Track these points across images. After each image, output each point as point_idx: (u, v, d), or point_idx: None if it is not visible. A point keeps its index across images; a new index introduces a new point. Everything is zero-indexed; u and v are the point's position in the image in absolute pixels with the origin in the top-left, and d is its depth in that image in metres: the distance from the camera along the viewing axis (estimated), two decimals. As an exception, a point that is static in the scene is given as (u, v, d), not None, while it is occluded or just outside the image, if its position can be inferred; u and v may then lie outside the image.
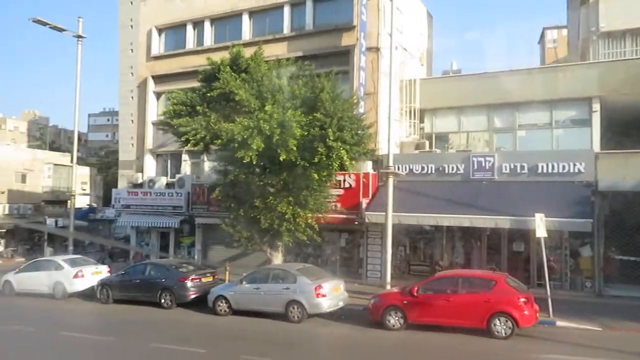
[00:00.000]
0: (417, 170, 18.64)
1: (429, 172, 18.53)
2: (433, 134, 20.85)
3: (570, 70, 18.64)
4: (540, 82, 18.52)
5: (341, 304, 14.40)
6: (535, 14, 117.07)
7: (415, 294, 12.50)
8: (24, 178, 39.56)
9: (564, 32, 34.49)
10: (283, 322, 13.68)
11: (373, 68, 19.60)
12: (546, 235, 13.77)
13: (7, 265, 26.83)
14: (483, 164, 17.70)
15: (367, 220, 17.95)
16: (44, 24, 21.01)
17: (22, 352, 11.63)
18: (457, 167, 18.09)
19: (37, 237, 36.40)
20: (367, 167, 18.95)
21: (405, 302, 12.61)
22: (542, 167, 16.89)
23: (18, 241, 35.82)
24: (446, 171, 18.25)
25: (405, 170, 18.49)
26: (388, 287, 15.77)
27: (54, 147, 67.91)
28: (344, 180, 18.89)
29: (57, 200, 40.31)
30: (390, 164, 16.50)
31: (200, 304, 15.63)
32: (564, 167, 16.66)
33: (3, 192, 37.51)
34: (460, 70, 23.06)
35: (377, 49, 19.64)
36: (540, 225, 13.59)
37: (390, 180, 16.39)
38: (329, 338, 12.82)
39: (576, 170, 16.52)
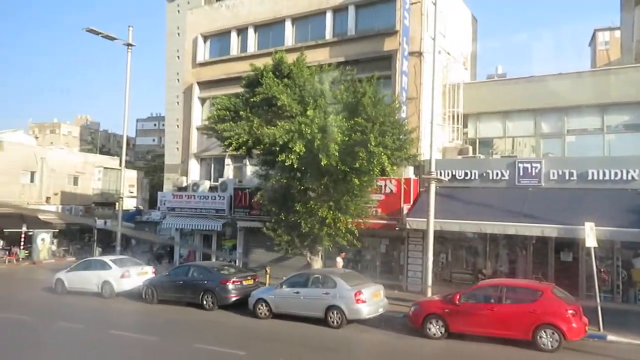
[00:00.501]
0: (459, 176, 18.30)
1: (472, 178, 18.15)
2: (477, 139, 20.43)
3: (624, 73, 17.89)
4: (591, 86, 17.86)
5: (381, 310, 14.27)
6: (585, 16, 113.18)
7: (457, 302, 12.25)
8: (76, 180, 41.30)
9: (617, 33, 33.17)
10: (322, 327, 13.67)
11: (415, 72, 19.42)
12: (596, 245, 13.22)
13: (59, 264, 28.03)
14: (529, 170, 17.19)
15: (408, 226, 17.74)
16: (97, 33, 21.92)
17: (74, 349, 12.09)
18: (501, 173, 17.64)
19: (87, 237, 37.83)
20: (409, 172, 18.75)
21: (446, 310, 12.37)
22: (593, 173, 16.23)
23: (69, 241, 37.31)
24: (490, 177, 17.83)
25: (448, 176, 18.18)
26: (429, 294, 15.54)
27: (104, 151, 70.64)
28: (385, 186, 18.74)
29: (106, 202, 41.85)
30: (433, 169, 16.27)
31: (241, 306, 15.83)
32: (616, 174, 15.96)
33: (56, 194, 39.26)
34: (505, 74, 22.50)
35: (420, 54, 19.45)
36: (590, 234, 13.06)
37: (432, 186, 16.17)
38: (368, 344, 12.72)
39: (629, 177, 15.80)
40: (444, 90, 20.19)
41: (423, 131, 18.81)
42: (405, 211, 18.21)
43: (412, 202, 18.46)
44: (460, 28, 22.86)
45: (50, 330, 13.84)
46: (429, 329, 12.45)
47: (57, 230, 35.01)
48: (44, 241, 32.59)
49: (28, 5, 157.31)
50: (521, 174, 17.28)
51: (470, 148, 19.75)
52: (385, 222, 18.50)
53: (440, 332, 12.35)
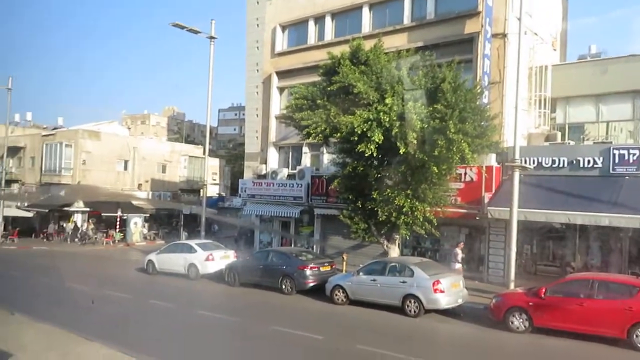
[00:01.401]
0: (546, 164, 17.32)
1: (561, 165, 17.10)
2: (566, 124, 19.23)
3: None
4: (700, 64, 16.16)
5: (460, 301, 13.94)
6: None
7: (542, 295, 11.67)
8: (164, 168, 43.81)
9: None
10: (399, 315, 13.59)
11: (499, 55, 18.54)
12: None
13: (150, 246, 30.00)
14: (626, 157, 15.91)
15: (489, 216, 17.10)
16: (182, 27, 22.92)
17: (167, 325, 12.92)
18: (594, 160, 16.47)
19: (175, 222, 40.12)
20: (491, 160, 18.03)
21: (530, 303, 11.83)
22: (701, 161, 14.74)
23: (159, 225, 39.78)
24: (581, 165, 16.70)
25: (533, 163, 17.27)
26: (511, 286, 14.94)
27: (189, 140, 74.13)
28: (465, 174, 18.17)
29: (191, 189, 44.05)
30: (517, 156, 15.53)
31: (318, 292, 16.10)
32: None
33: (147, 181, 41.89)
34: (599, 54, 20.90)
35: (504, 35, 18.52)
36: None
37: (516, 174, 15.45)
38: (447, 335, 12.49)
39: None
40: (529, 73, 19.13)
41: (506, 117, 17.96)
42: (486, 200, 17.57)
43: (494, 190, 17.76)
44: (548, 6, 21.48)
45: (145, 308, 14.87)
46: (512, 322, 11.98)
47: (148, 215, 37.43)
48: (137, 225, 34.96)
49: (120, 5, 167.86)
50: (617, 161, 16.04)
51: (559, 134, 18.61)
52: (465, 211, 17.97)
53: (524, 326, 11.84)
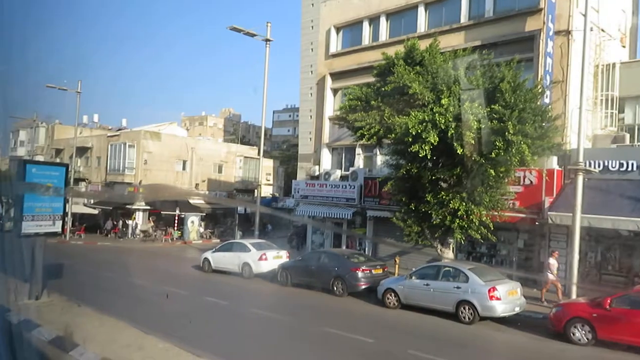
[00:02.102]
0: (613, 167, 16.40)
1: (630, 169, 16.15)
2: (635, 125, 18.13)
3: None
4: None
5: (517, 309, 13.43)
6: None
7: (607, 307, 11.04)
8: (220, 169, 44.97)
9: None
10: (452, 321, 13.27)
11: (562, 53, 17.75)
12: None
13: (206, 245, 30.88)
14: (703, 161, 14.82)
15: (550, 221, 16.39)
16: (239, 30, 23.47)
17: (220, 322, 13.25)
18: (666, 164, 15.44)
19: (230, 221, 41.08)
20: (552, 162, 17.28)
21: (594, 314, 11.22)
22: None
23: (214, 224, 40.87)
24: (652, 169, 15.71)
25: (599, 166, 16.39)
26: (573, 296, 14.26)
27: (244, 142, 75.63)
28: (525, 177, 17.52)
29: (246, 189, 44.96)
30: (580, 159, 14.82)
31: (370, 294, 16.00)
32: None
33: (204, 181, 43.14)
34: (674, 50, 19.61)
35: (568, 32, 17.72)
36: None
37: (580, 178, 14.74)
38: (503, 344, 12.08)
39: None
40: (595, 71, 18.21)
41: (570, 118, 17.18)
42: (547, 205, 16.86)
43: (555, 195, 17.02)
44: (617, 0, 20.35)
45: (201, 304, 15.30)
46: (573, 334, 11.41)
47: (204, 214, 38.54)
48: (194, 223, 36.08)
49: (181, 14, 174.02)
50: (692, 165, 14.97)
51: (627, 135, 17.59)
52: (523, 215, 17.31)
53: (586, 339, 11.24)
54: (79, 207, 38.41)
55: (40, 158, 45.04)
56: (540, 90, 15.53)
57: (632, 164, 16.11)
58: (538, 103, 15.03)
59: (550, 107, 16.28)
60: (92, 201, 39.95)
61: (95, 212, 39.29)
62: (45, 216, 13.03)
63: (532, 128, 13.90)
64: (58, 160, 45.24)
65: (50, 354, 9.00)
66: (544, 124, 14.74)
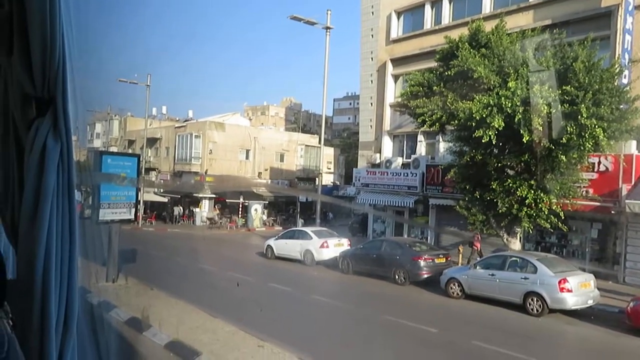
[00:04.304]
0: (702, 152, 15.16)
1: None
2: None
3: None
4: None
5: (590, 302, 12.77)
6: None
7: (693, 302, 10.28)
8: (282, 157, 45.63)
9: None
10: (519, 313, 12.83)
11: (643, 30, 16.50)
12: None
13: (269, 232, 31.53)
14: None
15: (627, 210, 15.39)
16: (299, 19, 23.59)
17: (284, 308, 13.53)
18: None
19: (292, 209, 41.71)
20: (631, 147, 16.22)
21: (678, 310, 10.49)
22: None
23: (277, 212, 41.65)
24: None
25: (684, 151, 15.21)
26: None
27: (305, 130, 76.22)
28: (599, 163, 16.55)
29: (307, 178, 45.39)
30: (663, 143, 13.78)
31: (432, 284, 15.77)
32: None
33: (266, 169, 43.98)
34: None
35: (649, 7, 16.44)
36: None
37: (662, 164, 13.71)
38: (574, 338, 11.56)
39: None
40: (681, 48, 16.79)
41: (651, 99, 15.97)
42: (624, 192, 15.85)
43: (633, 182, 15.96)
44: None
45: (265, 290, 15.69)
46: (653, 329, 10.73)
47: (267, 202, 39.34)
48: (257, 211, 36.94)
49: (243, 7, 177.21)
50: None
51: None
52: (597, 204, 16.39)
53: (669, 335, 10.54)
54: (149, 195, 40.29)
55: (114, 149, 47.66)
56: (617, 70, 14.50)
57: None
58: (615, 83, 14.08)
59: (629, 87, 15.20)
60: (161, 190, 41.81)
61: (165, 200, 41.09)
62: (120, 204, 13.79)
63: (608, 110, 13.06)
64: (130, 151, 47.60)
65: (126, 334, 9.57)
66: (621, 106, 13.83)
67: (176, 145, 42.72)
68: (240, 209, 37.62)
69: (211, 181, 37.87)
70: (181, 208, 39.96)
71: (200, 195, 38.47)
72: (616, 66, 14.60)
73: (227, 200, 38.57)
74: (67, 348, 1.19)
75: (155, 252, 22.79)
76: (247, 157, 42.98)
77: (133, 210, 14.37)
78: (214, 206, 39.01)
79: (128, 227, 21.12)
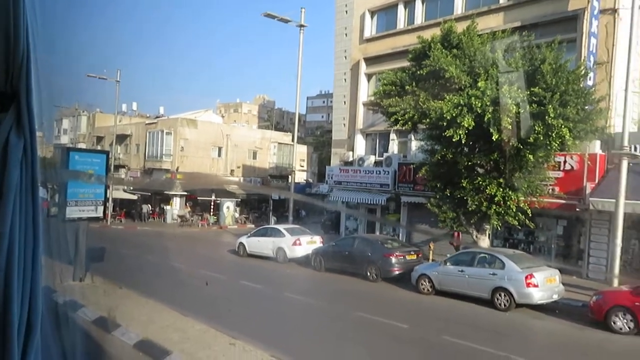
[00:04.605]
0: (660, 152, 15.74)
1: (678, 154, 15.47)
2: (686, 108, 17.29)
3: None
4: None
5: (555, 297, 13.15)
6: None
7: (652, 296, 10.69)
8: (254, 155, 45.37)
9: None
10: (487, 308, 13.11)
11: (607, 33, 17.03)
12: None
13: (241, 230, 31.37)
14: None
15: (591, 207, 15.89)
16: (273, 17, 23.48)
17: (255, 305, 13.49)
18: None
19: (264, 207, 41.54)
20: (595, 147, 16.72)
21: (637, 303, 10.87)
22: None
23: (249, 209, 41.42)
24: (703, 153, 15.01)
25: (645, 151, 15.76)
26: (615, 284, 13.86)
27: (278, 128, 75.95)
28: (565, 162, 17.02)
29: (280, 175, 45.26)
30: (625, 143, 14.28)
31: (404, 280, 15.95)
32: None
33: (239, 167, 43.66)
34: None
35: (614, 10, 16.98)
36: None
37: (624, 163, 14.22)
38: (540, 332, 11.86)
39: None
40: (643, 51, 17.37)
41: (614, 100, 16.53)
42: (588, 190, 16.34)
43: (597, 180, 16.48)
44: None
45: (236, 288, 15.61)
46: (614, 323, 11.10)
47: (240, 200, 39.09)
48: (229, 209, 36.67)
49: (215, 1, 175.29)
50: None
51: (677, 119, 16.81)
52: (563, 201, 16.86)
53: (628, 327, 10.92)
54: (119, 192, 39.52)
55: (82, 146, 46.51)
56: (583, 72, 14.94)
57: (681, 148, 15.41)
58: (581, 85, 14.50)
59: (593, 89, 15.68)
60: (131, 187, 41.07)
61: (135, 197, 40.39)
62: (88, 201, 13.48)
63: (574, 111, 13.44)
64: (99, 147, 46.60)
65: (93, 333, 9.38)
66: (586, 107, 14.24)
67: (147, 142, 42.01)
68: (212, 207, 37.27)
69: (181, 178, 37.40)
70: (149, 206, 39.31)
71: (171, 192, 37.95)
72: (582, 68, 15.03)
73: (198, 198, 38.17)
74: (30, 348, 1.16)
75: (124, 250, 22.37)
76: (219, 155, 42.58)
77: (101, 208, 14.06)
78: (185, 204, 38.55)
79: (96, 225, 20.66)
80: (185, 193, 38.17)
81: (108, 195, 31.06)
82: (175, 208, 37.90)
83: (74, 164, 13.36)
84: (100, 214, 14.20)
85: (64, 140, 54.64)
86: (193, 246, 26.21)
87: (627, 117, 14.47)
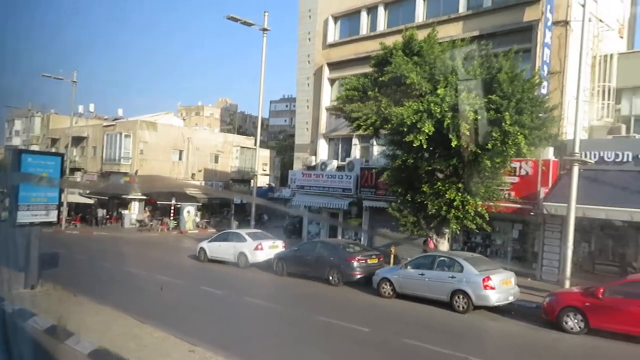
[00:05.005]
0: (609, 158, 16.46)
1: (625, 160, 16.21)
2: (632, 116, 18.19)
3: None
4: None
5: (511, 298, 13.52)
6: None
7: (600, 296, 11.13)
8: (216, 159, 44.85)
9: None
10: (447, 310, 13.36)
11: (560, 44, 17.72)
12: None
13: (202, 234, 30.88)
14: (698, 153, 14.89)
15: (545, 212, 16.45)
16: (236, 20, 23.29)
17: (216, 311, 13.28)
18: (661, 155, 15.51)
19: (226, 211, 41.05)
20: (548, 153, 17.32)
21: (587, 304, 11.31)
22: None
23: (210, 214, 40.84)
24: (647, 160, 15.78)
25: (594, 157, 16.44)
26: (566, 285, 14.38)
27: (240, 132, 75.34)
28: (520, 167, 17.56)
29: (242, 180, 44.88)
30: (576, 150, 14.86)
31: (365, 284, 16.06)
32: None
33: (200, 171, 43.05)
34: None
35: (566, 23, 17.67)
36: None
37: (575, 169, 14.80)
38: (496, 333, 12.17)
39: None
40: (593, 62, 18.19)
41: (566, 108, 17.20)
42: (542, 195, 16.92)
43: (550, 185, 17.08)
44: (615, -9, 20.29)
45: (197, 294, 15.32)
46: (566, 323, 11.51)
47: (201, 204, 38.49)
48: (190, 213, 36.05)
49: (179, 1, 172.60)
50: (687, 156, 15.04)
51: (624, 127, 17.63)
52: (519, 206, 17.38)
53: (579, 327, 11.35)
54: (74, 196, 38.26)
55: (35, 147, 44.85)
56: (537, 81, 15.50)
57: (628, 155, 16.16)
58: (535, 93, 15.01)
59: (547, 97, 16.29)
60: (87, 191, 39.83)
61: (91, 202, 39.16)
62: (41, 206, 12.97)
63: (529, 118, 13.91)
64: (54, 149, 45.07)
65: (45, 343, 9.01)
66: (541, 115, 14.76)
67: (104, 144, 40.89)
68: (172, 211, 36.56)
69: (140, 182, 36.53)
70: (104, 210, 38.13)
71: (130, 196, 37.00)
72: (536, 77, 15.58)
73: (158, 202, 37.34)
74: None
75: (79, 256, 21.67)
76: (180, 158, 41.89)
77: (55, 212, 13.54)
78: (145, 208, 37.65)
79: (50, 230, 19.94)
80: (145, 197, 37.29)
81: (63, 199, 30.05)
82: (134, 212, 36.95)
83: (26, 166, 12.85)
84: (54, 219, 13.68)
85: (16, 142, 52.55)
86: (152, 251, 25.63)
87: (578, 125, 15.07)
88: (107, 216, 37.94)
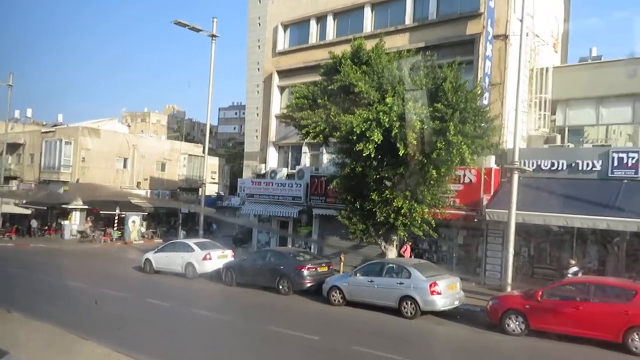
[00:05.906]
0: (545, 166, 17.31)
1: (560, 168, 17.10)
2: (566, 127, 19.20)
3: None
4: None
5: (457, 303, 13.91)
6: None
7: (539, 298, 11.66)
8: (163, 167, 43.70)
9: None
10: (396, 316, 13.57)
11: (500, 57, 18.51)
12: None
13: (148, 245, 29.94)
14: (625, 161, 15.90)
15: (487, 218, 17.06)
16: (184, 25, 22.91)
17: (162, 324, 12.88)
18: (593, 163, 16.46)
19: (173, 221, 39.99)
20: (490, 162, 18.00)
21: (527, 306, 11.81)
22: (701, 165, 14.70)
23: (157, 223, 39.68)
24: (580, 168, 16.70)
25: (532, 166, 17.24)
26: (508, 289, 14.93)
27: (188, 139, 73.85)
28: (464, 176, 18.13)
29: (190, 188, 43.93)
30: (516, 159, 15.51)
31: (315, 292, 16.06)
32: None
33: (146, 179, 41.80)
34: (600, 56, 20.82)
35: (505, 37, 18.49)
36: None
37: (515, 176, 15.43)
38: (443, 337, 12.46)
39: None
40: (530, 75, 19.10)
41: (506, 118, 17.94)
42: (485, 202, 17.54)
43: (492, 192, 17.74)
44: (550, 7, 21.44)
45: (142, 307, 14.82)
46: (508, 325, 11.96)
47: (147, 214, 37.32)
48: (135, 223, 34.89)
49: (124, 5, 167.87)
50: (615, 164, 16.03)
51: (558, 136, 18.59)
52: (463, 213, 17.92)
53: (520, 329, 11.82)
54: (9, 207, 36.19)
55: (-34, 155, 42.15)
56: (479, 92, 16.13)
57: (562, 163, 17.05)
58: (477, 104, 15.59)
59: (488, 108, 16.94)
60: (24, 201, 37.76)
61: (28, 212, 37.14)
62: (-29, 216, 12.19)
63: (471, 128, 14.40)
64: (-14, 157, 42.51)
65: (-25, 364, 8.43)
66: (483, 124, 15.31)
67: (43, 151, 38.99)
68: (116, 221, 35.27)
69: (81, 190, 35.02)
70: (38, 221, 36.18)
71: (71, 206, 35.41)
72: (478, 88, 16.22)
73: (101, 212, 35.89)
74: None
75: (14, 269, 20.52)
76: (124, 166, 40.51)
77: (-13, 223, 12.76)
78: (87, 218, 36.06)
79: (-19, 242, 18.78)
80: (87, 207, 35.78)
81: (-4, 210, 28.38)
82: (75, 223, 35.31)
83: (-46, 175, 12.05)
84: (-14, 231, 12.88)
85: (-56, 148, 49.16)
86: (94, 263, 24.60)
87: (517, 134, 15.76)
88: (46, 227, 36.09)
